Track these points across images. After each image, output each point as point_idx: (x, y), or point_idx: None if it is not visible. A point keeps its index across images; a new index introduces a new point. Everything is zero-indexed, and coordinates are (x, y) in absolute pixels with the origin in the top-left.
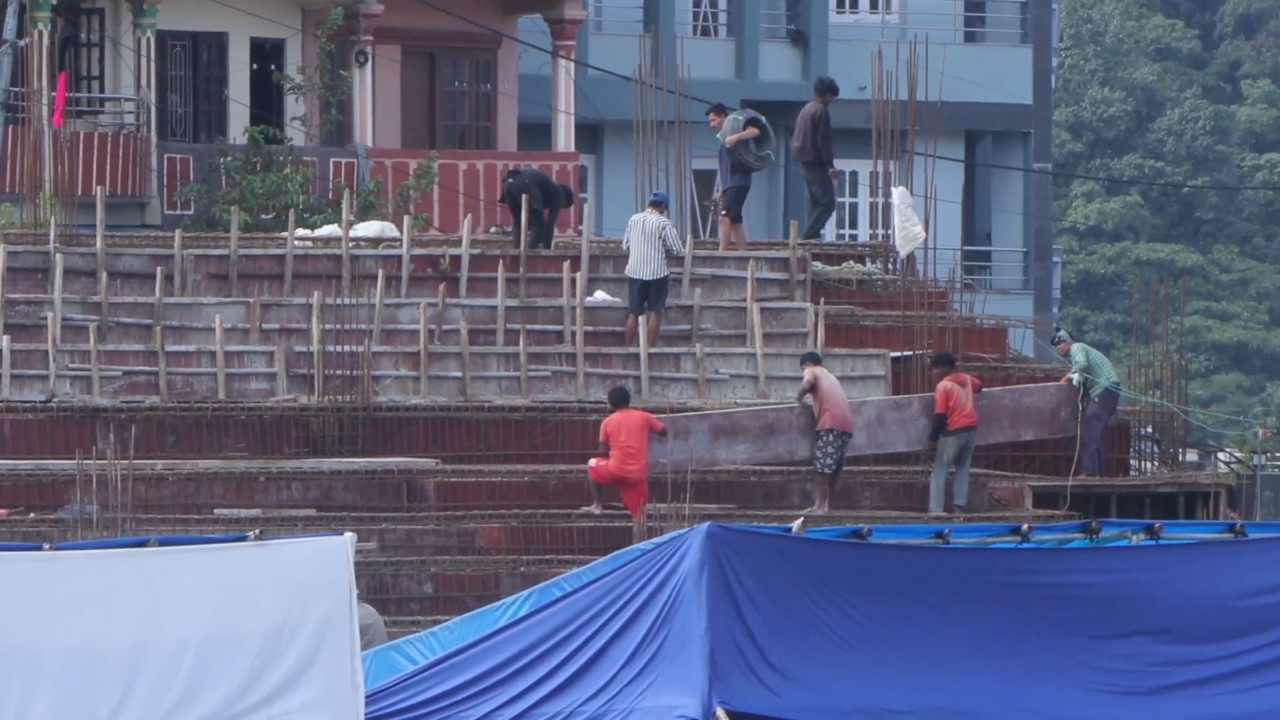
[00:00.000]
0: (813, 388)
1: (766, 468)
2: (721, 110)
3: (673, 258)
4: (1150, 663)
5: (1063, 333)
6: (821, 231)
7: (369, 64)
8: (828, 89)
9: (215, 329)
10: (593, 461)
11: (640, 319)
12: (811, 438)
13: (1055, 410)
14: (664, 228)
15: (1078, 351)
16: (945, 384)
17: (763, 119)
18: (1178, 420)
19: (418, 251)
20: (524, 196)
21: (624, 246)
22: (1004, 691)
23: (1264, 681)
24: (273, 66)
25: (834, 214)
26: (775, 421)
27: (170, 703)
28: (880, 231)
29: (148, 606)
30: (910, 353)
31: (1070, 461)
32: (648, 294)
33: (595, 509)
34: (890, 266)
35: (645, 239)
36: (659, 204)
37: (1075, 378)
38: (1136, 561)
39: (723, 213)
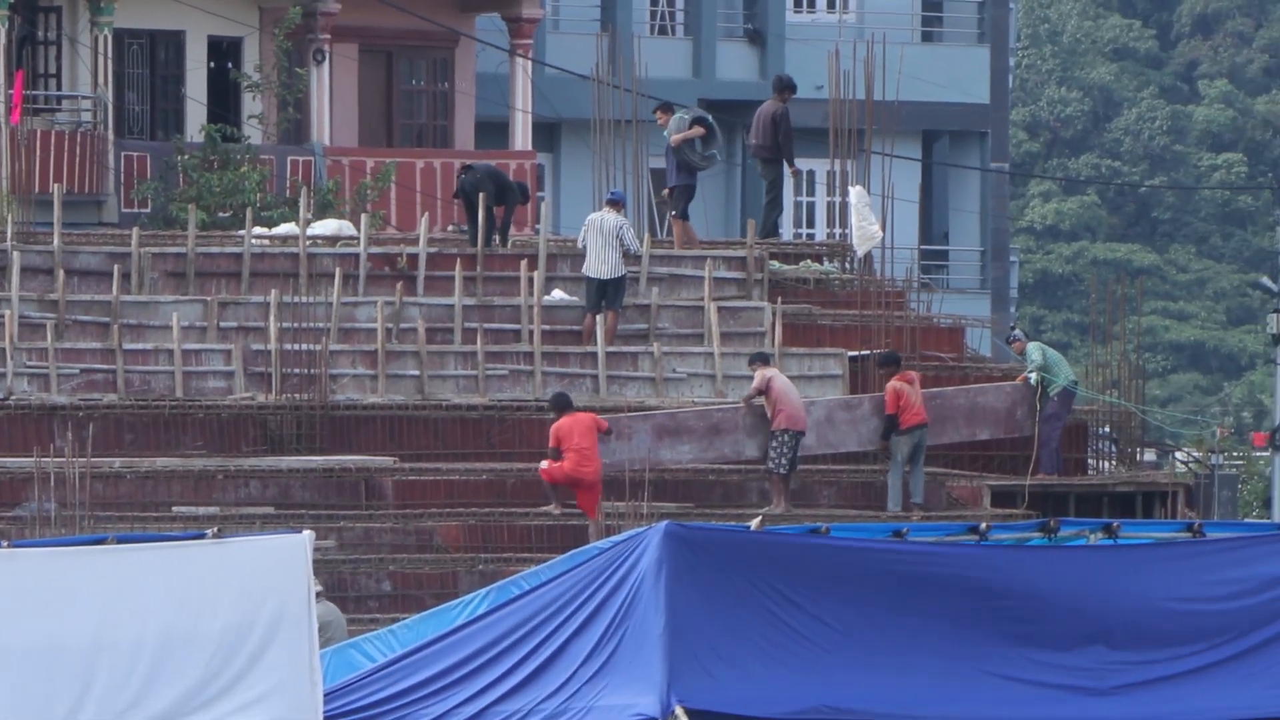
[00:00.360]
0: (765, 389)
1: (725, 466)
2: (668, 108)
3: (630, 257)
4: (1107, 662)
5: (1017, 331)
6: (780, 230)
7: (326, 62)
8: (786, 87)
9: (173, 327)
10: (544, 463)
11: (598, 318)
12: (759, 438)
13: (1011, 410)
14: (621, 227)
15: (1033, 350)
16: (894, 384)
17: (709, 118)
18: (1135, 420)
19: (375, 250)
20: (480, 195)
21: (580, 245)
22: (963, 690)
23: (1217, 682)
24: (230, 65)
25: (789, 213)
26: (721, 421)
27: (128, 700)
28: (837, 231)
29: (106, 604)
30: (868, 352)
31: (1029, 461)
32: (605, 293)
33: (555, 509)
34: (847, 266)
35: (603, 238)
36: (616, 203)
37: (1033, 377)
38: (1095, 561)
39: (672, 213)
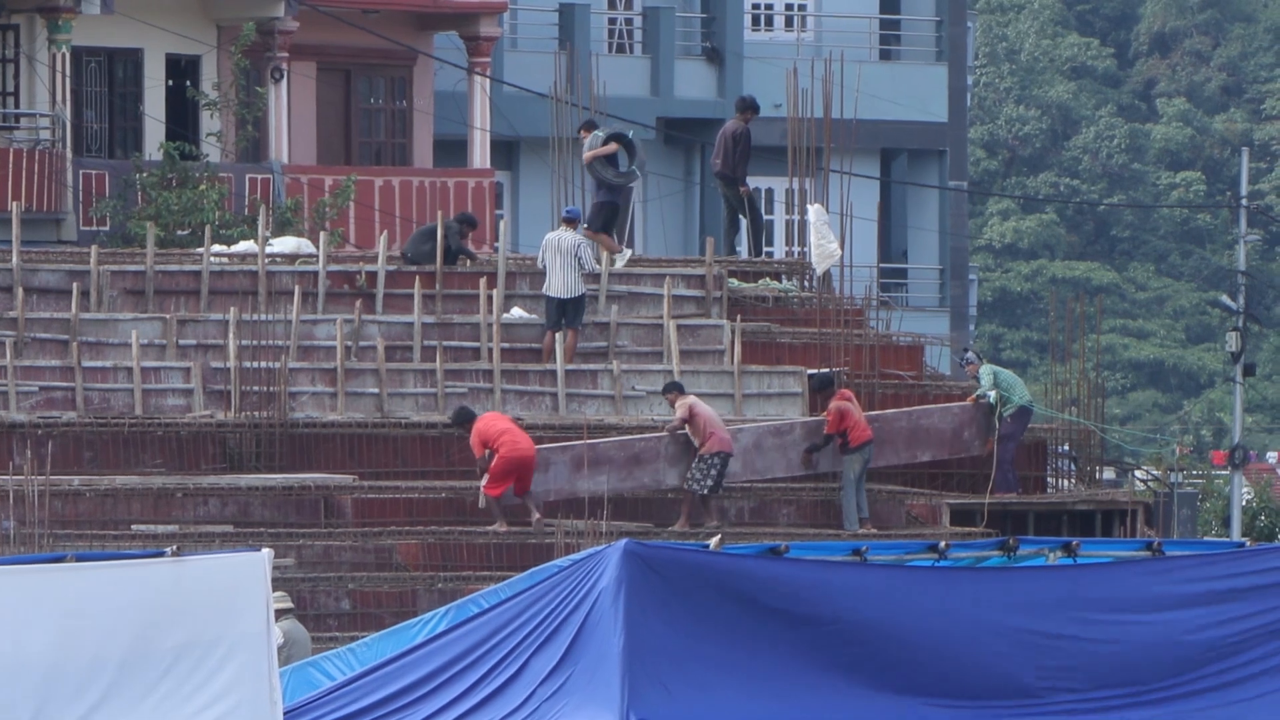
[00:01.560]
0: (690, 417)
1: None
2: (590, 126)
3: (588, 275)
4: (1070, 688)
5: (970, 354)
6: (738, 249)
7: (284, 80)
8: (749, 107)
9: (132, 345)
10: (485, 480)
11: (557, 336)
12: (680, 466)
13: (958, 431)
14: (579, 245)
15: (984, 374)
16: (837, 403)
17: (628, 135)
18: (1095, 438)
19: (334, 268)
20: (425, 252)
21: (539, 266)
22: (923, 709)
23: (1179, 709)
24: (188, 83)
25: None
26: (642, 451)
27: (85, 718)
28: (796, 249)
29: (64, 623)
30: (827, 370)
31: (988, 479)
32: (565, 312)
33: (500, 527)
34: (806, 284)
35: (561, 257)
36: (571, 220)
37: (992, 396)
38: (1060, 582)
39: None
